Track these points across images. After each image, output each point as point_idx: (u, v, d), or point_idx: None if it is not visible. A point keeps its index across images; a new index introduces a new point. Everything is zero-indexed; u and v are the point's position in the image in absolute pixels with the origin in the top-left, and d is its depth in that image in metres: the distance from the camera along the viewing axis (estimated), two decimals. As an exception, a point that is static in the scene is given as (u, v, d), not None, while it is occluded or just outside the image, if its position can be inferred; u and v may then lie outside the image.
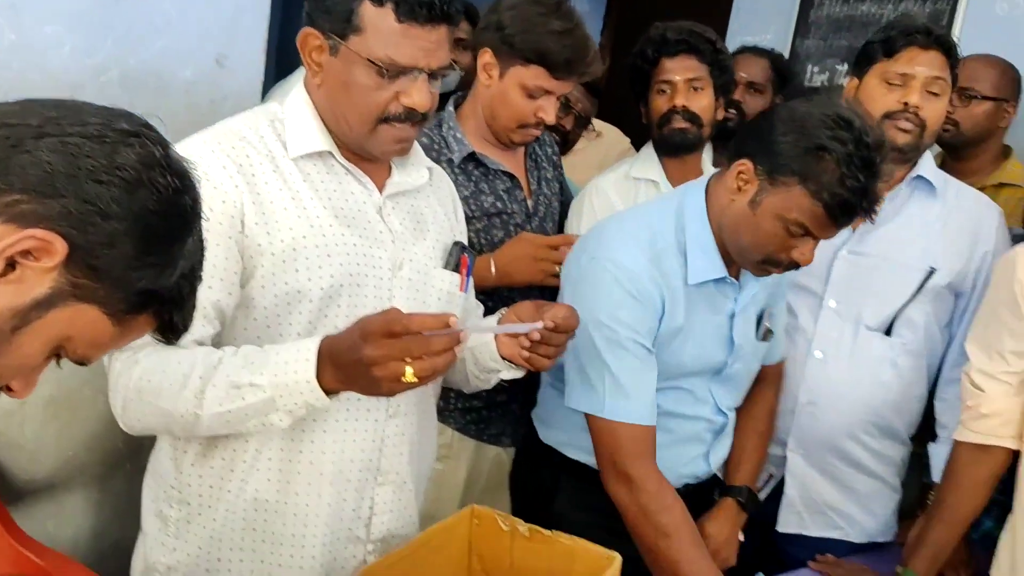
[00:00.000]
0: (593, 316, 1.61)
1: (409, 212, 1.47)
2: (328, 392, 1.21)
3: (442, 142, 1.98)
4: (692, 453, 1.81)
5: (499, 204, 2.01)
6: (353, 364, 1.16)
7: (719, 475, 1.97)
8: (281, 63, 2.98)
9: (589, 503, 1.80)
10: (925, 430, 2.11)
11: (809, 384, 2.03)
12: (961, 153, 2.36)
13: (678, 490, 1.81)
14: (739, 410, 1.93)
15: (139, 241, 0.81)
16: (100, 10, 1.93)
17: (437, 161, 1.92)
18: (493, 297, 1.92)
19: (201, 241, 0.90)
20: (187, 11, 2.05)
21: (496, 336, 1.43)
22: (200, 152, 1.31)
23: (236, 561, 1.39)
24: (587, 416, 1.70)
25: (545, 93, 1.91)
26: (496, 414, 2.08)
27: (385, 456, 1.44)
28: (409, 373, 1.14)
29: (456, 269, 1.50)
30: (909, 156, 1.95)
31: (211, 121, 1.45)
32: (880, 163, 1.49)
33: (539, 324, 1.31)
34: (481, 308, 1.68)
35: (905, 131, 1.91)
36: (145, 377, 1.24)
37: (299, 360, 1.20)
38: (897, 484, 2.12)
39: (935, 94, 1.91)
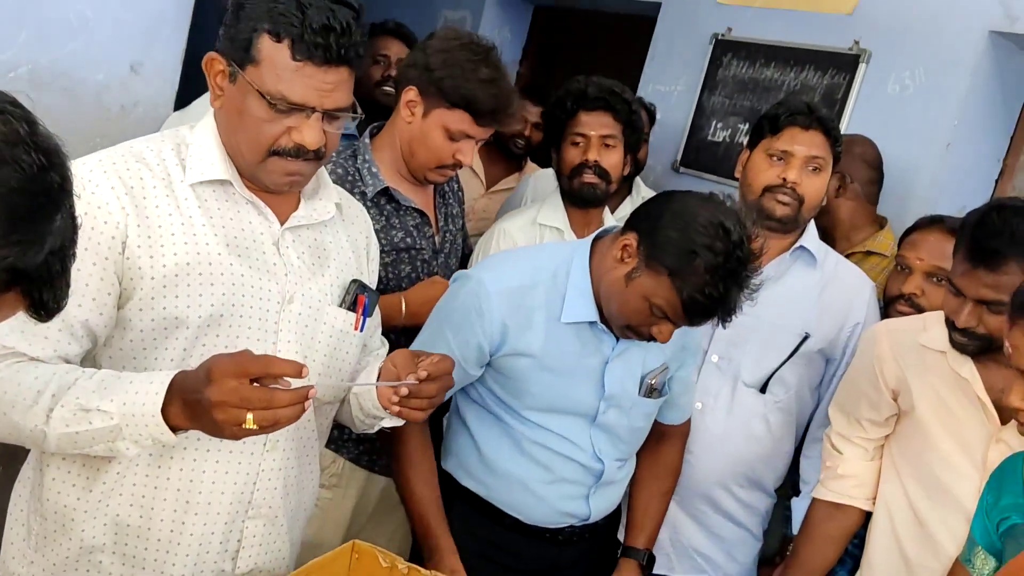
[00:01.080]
0: (439, 309, 1.80)
1: (310, 246, 1.46)
2: (176, 428, 1.21)
3: (356, 174, 1.99)
4: (572, 492, 1.87)
5: (408, 240, 2.04)
6: (196, 403, 1.16)
7: (619, 533, 2.06)
8: (195, 74, 2.93)
9: (478, 532, 1.85)
10: (789, 484, 2.24)
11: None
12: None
13: (562, 529, 1.89)
14: (642, 467, 2.00)
15: (3, 219, 0.79)
16: (15, 4, 1.89)
17: (350, 193, 1.94)
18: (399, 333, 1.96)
19: (73, 219, 0.88)
20: (105, 14, 2.03)
21: (376, 386, 1.44)
22: (92, 169, 1.30)
23: None
24: None
25: (466, 137, 1.95)
26: (389, 446, 2.10)
27: (259, 490, 1.42)
28: (250, 420, 1.13)
29: (352, 308, 1.49)
30: (788, 227, 2.08)
31: (120, 126, 1.44)
32: (747, 277, 1.57)
33: (409, 380, 1.34)
34: (386, 347, 1.69)
35: (783, 204, 2.04)
36: (2, 388, 1.23)
37: (149, 392, 1.19)
38: (760, 533, 2.24)
39: (814, 171, 2.05)
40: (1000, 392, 1.74)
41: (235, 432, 1.16)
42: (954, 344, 1.73)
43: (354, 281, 1.52)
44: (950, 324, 1.72)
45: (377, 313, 1.63)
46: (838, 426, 1.97)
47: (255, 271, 1.37)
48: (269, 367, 1.15)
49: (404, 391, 1.35)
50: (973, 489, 1.75)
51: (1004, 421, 1.74)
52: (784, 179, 2.03)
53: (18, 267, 0.82)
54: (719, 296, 1.55)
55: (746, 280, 1.58)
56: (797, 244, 2.12)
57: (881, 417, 1.90)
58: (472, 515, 1.86)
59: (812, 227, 2.16)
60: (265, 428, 1.15)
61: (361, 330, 1.53)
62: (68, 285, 0.90)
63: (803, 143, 2.03)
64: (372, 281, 1.61)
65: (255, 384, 1.15)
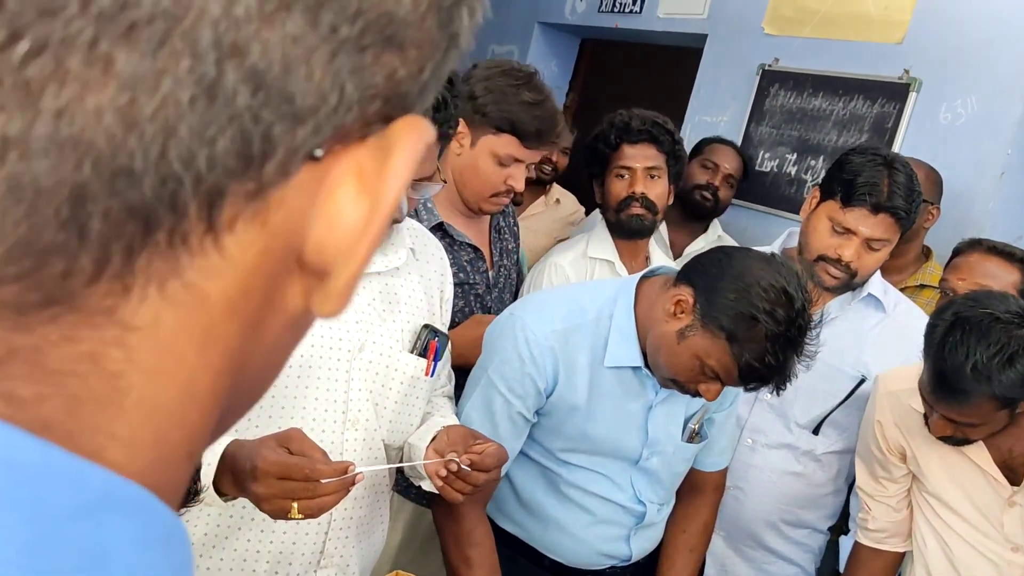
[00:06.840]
0: (487, 364, 1.71)
1: (381, 292, 1.44)
2: (225, 495, 1.22)
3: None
4: (612, 534, 1.85)
5: (461, 275, 2.04)
6: (244, 489, 1.18)
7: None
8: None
9: (517, 575, 1.83)
10: (843, 519, 2.21)
11: (737, 469, 2.10)
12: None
13: (603, 571, 1.88)
14: (674, 519, 1.96)
15: None
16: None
17: None
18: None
19: None
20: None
21: (426, 449, 1.42)
22: None
23: None
24: None
25: (515, 162, 1.97)
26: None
27: (330, 540, 1.42)
28: (295, 510, 1.16)
29: (423, 354, 1.48)
30: (835, 293, 2.05)
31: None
32: (806, 344, 1.52)
33: (452, 457, 1.33)
34: (452, 381, 1.69)
35: (834, 276, 1.99)
36: None
37: (202, 463, 1.19)
38: (812, 570, 2.21)
39: (874, 250, 1.97)
40: (1008, 452, 1.69)
41: (279, 518, 1.19)
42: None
43: (425, 326, 1.50)
44: (927, 422, 1.70)
45: (448, 352, 1.62)
46: (862, 481, 1.95)
47: (324, 319, 1.37)
48: (313, 473, 1.16)
49: (454, 467, 1.33)
50: (996, 548, 1.74)
51: (1015, 483, 1.70)
52: (840, 256, 1.97)
53: None
54: (777, 364, 1.49)
55: (805, 347, 1.52)
56: (864, 293, 2.08)
57: (894, 476, 1.89)
58: (511, 557, 1.83)
59: (877, 273, 2.10)
60: (310, 516, 1.18)
61: (432, 375, 1.52)
62: None
63: (868, 226, 1.93)
64: (445, 321, 1.59)
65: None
